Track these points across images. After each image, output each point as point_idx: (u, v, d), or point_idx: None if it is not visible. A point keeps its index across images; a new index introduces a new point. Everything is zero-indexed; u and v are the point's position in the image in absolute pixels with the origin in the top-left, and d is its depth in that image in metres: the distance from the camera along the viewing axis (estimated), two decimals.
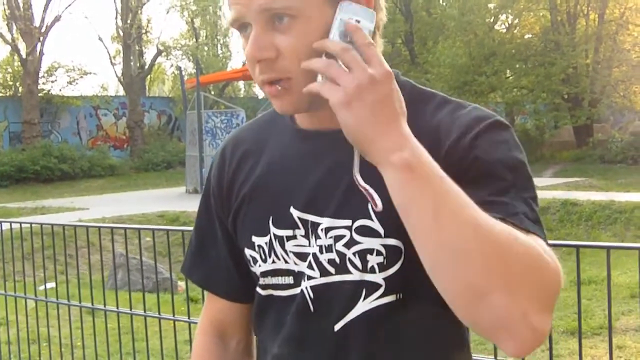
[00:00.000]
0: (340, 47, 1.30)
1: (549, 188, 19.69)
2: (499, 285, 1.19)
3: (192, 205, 17.29)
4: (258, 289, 1.62)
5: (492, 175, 1.35)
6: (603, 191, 19.32)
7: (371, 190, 1.34)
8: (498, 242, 1.20)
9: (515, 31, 35.02)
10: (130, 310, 5.54)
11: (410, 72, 36.15)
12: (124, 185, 28.64)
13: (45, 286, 7.70)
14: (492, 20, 34.79)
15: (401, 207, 1.25)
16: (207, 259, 1.76)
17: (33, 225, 8.13)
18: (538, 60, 32.29)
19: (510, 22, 36.02)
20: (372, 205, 1.35)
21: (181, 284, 10.44)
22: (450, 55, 32.36)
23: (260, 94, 46.44)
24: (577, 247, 3.59)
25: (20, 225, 6.66)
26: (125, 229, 6.30)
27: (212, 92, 36.77)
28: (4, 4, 33.93)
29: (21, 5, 33.10)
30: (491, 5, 34.83)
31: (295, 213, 1.51)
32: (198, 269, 1.79)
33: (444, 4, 39.64)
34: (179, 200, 20.54)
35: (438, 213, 1.21)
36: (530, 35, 34.71)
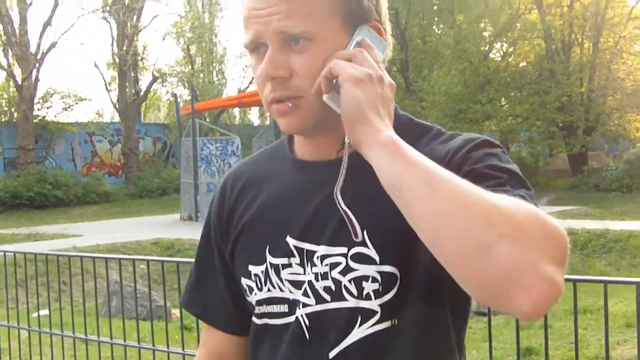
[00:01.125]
0: (356, 50, 1.42)
1: None
2: (503, 235, 1.17)
3: (186, 232, 17.29)
4: (254, 318, 1.62)
5: (487, 176, 1.36)
6: (598, 219, 19.33)
7: (350, 215, 1.39)
8: (495, 197, 1.22)
9: (510, 59, 35.15)
10: (124, 341, 5.49)
11: (405, 100, 36.25)
12: (119, 212, 28.57)
13: (38, 314, 7.66)
14: (487, 48, 34.93)
15: (392, 183, 1.27)
16: (206, 291, 1.77)
17: (30, 252, 8.09)
18: (533, 89, 32.40)
19: (505, 50, 36.17)
20: (352, 232, 1.40)
21: (175, 312, 10.39)
22: (445, 83, 32.46)
23: (255, 121, 46.61)
24: (575, 281, 3.59)
25: (15, 254, 6.64)
26: (119, 259, 6.29)
27: (208, 119, 36.85)
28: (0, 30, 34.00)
29: (17, 31, 33.15)
30: (486, 34, 35.02)
31: (291, 242, 1.53)
32: (196, 300, 1.80)
33: (439, 32, 39.79)
34: (173, 228, 20.51)
35: (430, 179, 1.24)
36: (525, 64, 34.86)
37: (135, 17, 38.68)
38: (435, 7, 36.70)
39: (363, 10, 1.49)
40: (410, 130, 1.50)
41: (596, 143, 33.53)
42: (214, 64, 45.81)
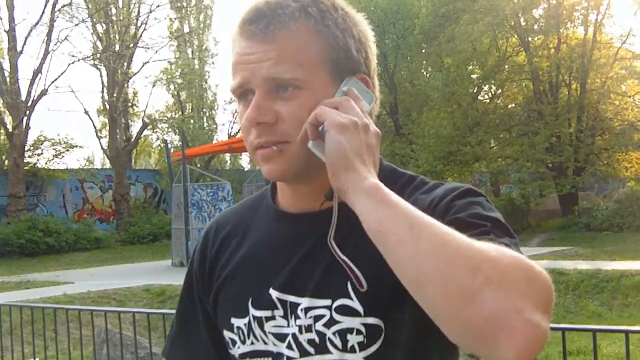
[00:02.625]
0: (343, 98, 1.43)
1: (535, 257, 19.64)
2: (488, 281, 1.16)
3: (177, 278, 17.18)
4: None
5: (471, 224, 1.35)
6: (589, 260, 19.31)
7: (351, 264, 1.38)
8: (479, 244, 1.21)
9: (499, 101, 35.35)
10: None
11: (395, 143, 36.39)
12: (110, 258, 28.46)
13: None
14: (475, 90, 35.10)
15: (376, 228, 1.27)
16: (188, 343, 1.75)
17: (16, 304, 8.07)
18: (522, 130, 32.56)
19: (493, 92, 36.36)
20: (354, 282, 1.39)
21: None
22: (435, 125, 32.58)
23: (246, 165, 46.63)
24: (564, 330, 3.61)
25: (0, 306, 6.64)
26: (105, 311, 6.32)
27: (198, 165, 36.86)
28: None
29: (8, 79, 33.24)
30: (474, 76, 35.20)
31: (274, 294, 1.53)
32: (178, 352, 1.78)
33: (428, 75, 40.02)
34: (164, 274, 20.41)
35: (415, 225, 1.23)
36: (513, 105, 35.05)
37: (125, 64, 38.80)
38: (423, 51, 36.90)
39: (352, 62, 1.51)
40: (394, 180, 1.51)
41: (586, 183, 33.61)
42: (204, 110, 45.92)
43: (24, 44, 34.11)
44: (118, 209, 36.45)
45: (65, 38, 36.21)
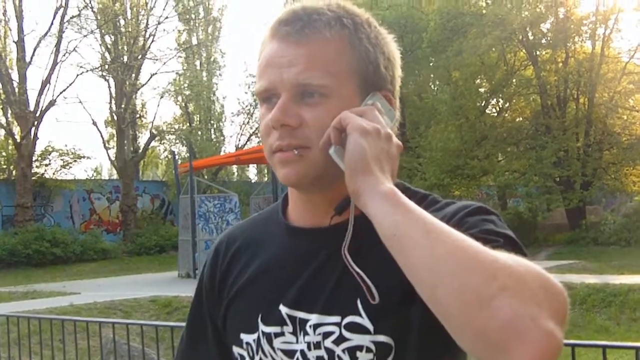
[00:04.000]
0: (368, 107, 1.45)
1: None
2: (504, 287, 1.15)
3: (184, 290, 17.20)
4: None
5: (483, 240, 1.30)
6: (597, 274, 19.25)
7: (364, 276, 1.37)
8: (496, 253, 1.21)
9: (506, 115, 35.35)
10: None
11: (402, 157, 36.12)
12: (117, 269, 28.49)
13: None
14: (482, 104, 35.11)
15: (392, 232, 1.26)
16: (196, 356, 1.75)
17: (23, 315, 8.06)
18: (529, 144, 32.53)
19: (501, 106, 36.38)
20: (367, 293, 1.37)
21: None
22: (442, 139, 32.54)
23: (253, 177, 46.67)
24: (573, 346, 3.59)
25: (7, 317, 6.66)
26: (113, 323, 6.34)
27: (206, 177, 36.90)
28: None
29: (16, 90, 33.36)
30: (482, 90, 35.21)
31: (283, 310, 1.51)
32: None
33: (435, 88, 40.03)
34: (171, 285, 20.41)
35: (431, 229, 1.23)
36: (521, 119, 35.04)
37: (133, 75, 38.90)
38: (431, 64, 36.89)
39: (379, 78, 1.51)
40: (407, 197, 1.45)
41: (594, 197, 33.56)
42: (212, 122, 46.01)
43: (33, 54, 34.30)
44: (125, 220, 36.47)
45: (74, 49, 36.20)
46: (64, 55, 34.56)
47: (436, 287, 1.20)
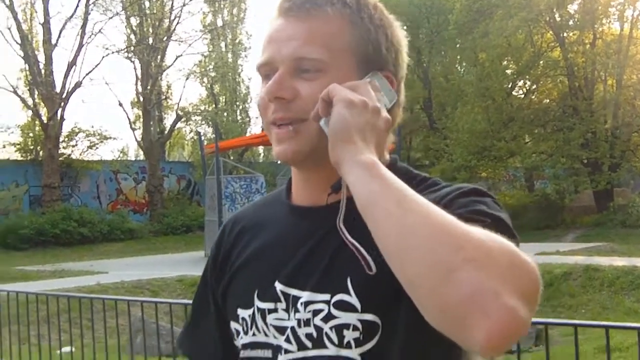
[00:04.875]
0: (361, 82, 1.45)
1: (570, 253, 19.58)
2: (469, 260, 1.14)
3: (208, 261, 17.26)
4: None
5: (469, 220, 1.28)
6: (625, 256, 19.16)
7: (359, 247, 1.35)
8: (466, 226, 1.20)
9: (533, 97, 35.15)
10: None
11: (429, 138, 36.32)
12: (143, 249, 28.68)
13: (60, 351, 7.68)
14: (509, 85, 34.93)
15: (366, 202, 1.27)
16: (198, 332, 1.78)
17: (52, 294, 8.14)
18: (557, 126, 32.35)
19: (528, 87, 36.16)
20: (364, 264, 1.36)
21: None
22: (469, 120, 32.44)
23: None
24: (607, 327, 3.63)
25: (37, 295, 6.71)
26: (141, 302, 6.40)
27: (232, 157, 36.97)
28: (26, 70, 34.39)
29: (43, 71, 33.53)
30: (509, 71, 35.02)
31: (278, 287, 1.52)
32: (189, 341, 1.81)
33: (462, 70, 39.86)
34: (198, 265, 20.39)
35: (404, 200, 1.24)
36: (548, 101, 34.81)
37: (159, 57, 39.00)
38: (457, 46, 36.73)
39: (380, 58, 1.52)
40: (407, 181, 1.42)
41: (622, 179, 33.34)
42: (238, 103, 45.98)
43: (59, 36, 34.47)
44: (152, 200, 36.67)
45: (100, 31, 36.52)
46: (90, 37, 34.72)
47: (402, 256, 1.20)
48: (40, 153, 34.38)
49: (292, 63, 1.46)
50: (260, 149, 45.55)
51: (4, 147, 35.58)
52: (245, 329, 1.58)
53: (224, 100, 45.42)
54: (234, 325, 1.62)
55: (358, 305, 1.41)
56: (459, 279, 1.13)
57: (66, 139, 35.14)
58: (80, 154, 35.71)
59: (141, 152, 41.26)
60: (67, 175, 34.53)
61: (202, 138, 28.72)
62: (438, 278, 1.15)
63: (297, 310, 1.48)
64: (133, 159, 47.49)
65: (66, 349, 8.13)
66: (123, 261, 23.77)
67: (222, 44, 45.97)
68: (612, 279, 15.93)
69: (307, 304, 1.47)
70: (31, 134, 36.25)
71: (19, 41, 33.47)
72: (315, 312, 1.46)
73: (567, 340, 10.23)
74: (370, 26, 1.51)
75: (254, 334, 1.56)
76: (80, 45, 33.99)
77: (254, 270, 1.60)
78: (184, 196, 38.77)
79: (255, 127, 45.66)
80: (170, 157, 48.43)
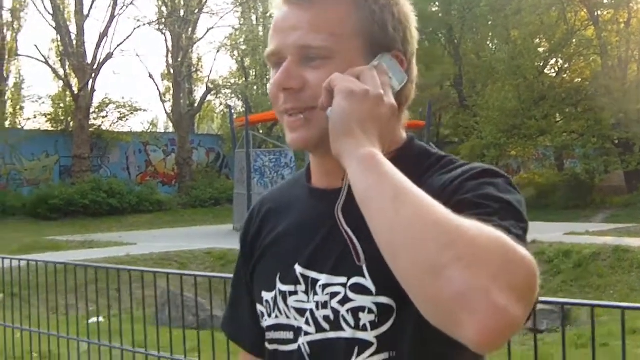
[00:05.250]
0: (365, 67, 1.44)
1: (599, 234, 19.44)
2: (458, 257, 1.13)
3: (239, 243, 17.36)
4: (266, 344, 1.64)
5: (477, 205, 1.31)
6: None
7: (352, 236, 1.39)
8: (461, 221, 1.18)
9: (565, 76, 34.84)
10: (171, 354, 5.67)
11: (459, 115, 36.12)
12: (172, 221, 28.82)
13: (87, 322, 7.75)
14: (541, 64, 34.65)
15: (363, 196, 1.27)
16: (237, 314, 1.82)
17: (80, 264, 8.23)
18: (588, 105, 32.08)
19: (560, 66, 35.86)
20: (353, 254, 1.39)
21: None
22: (500, 98, 32.27)
23: None
24: (624, 308, 3.62)
25: (65, 265, 6.78)
26: (167, 274, 6.46)
27: (261, 131, 37.00)
28: (57, 41, 34.53)
29: (74, 42, 33.66)
30: (541, 49, 34.73)
31: (298, 269, 1.54)
32: (230, 323, 1.86)
33: (494, 47, 39.54)
34: (226, 238, 20.54)
35: (399, 196, 1.22)
36: (580, 80, 34.51)
37: (190, 29, 39.05)
38: (489, 23, 36.44)
39: (387, 38, 1.50)
40: (420, 162, 1.52)
41: None
42: (268, 77, 45.90)
43: (91, 7, 34.68)
44: (180, 173, 36.81)
45: (131, 2, 36.44)
46: (122, 8, 34.90)
47: (394, 252, 1.21)
48: (71, 124, 34.59)
49: (298, 52, 1.46)
50: None
51: (35, 117, 35.96)
52: (268, 311, 1.61)
53: (254, 73, 45.36)
54: (259, 307, 1.65)
55: (373, 289, 1.43)
56: (448, 277, 1.13)
57: (97, 110, 35.33)
58: (111, 126, 35.98)
59: (170, 125, 41.47)
60: (97, 147, 34.73)
61: (232, 111, 28.71)
62: (427, 275, 1.15)
63: (315, 293, 1.50)
64: (162, 131, 47.63)
65: (94, 319, 8.21)
66: (151, 233, 23.89)
67: (254, 17, 45.84)
68: None
69: (325, 286, 1.49)
70: (62, 105, 36.47)
71: (51, 11, 33.66)
72: (333, 295, 1.47)
73: (596, 321, 10.19)
74: (375, 7, 1.50)
75: (276, 316, 1.59)
76: (112, 17, 34.12)
77: (277, 253, 1.63)
78: (213, 169, 38.88)
79: None
80: (200, 130, 48.58)
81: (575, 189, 30.73)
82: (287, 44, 1.47)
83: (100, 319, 8.17)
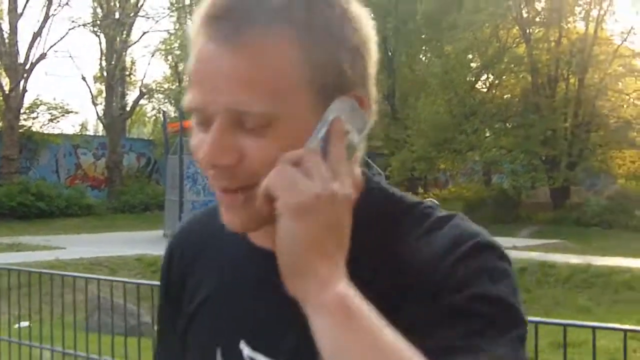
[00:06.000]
0: (308, 152, 1.11)
1: (525, 249, 19.80)
2: None
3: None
4: None
5: (465, 312, 1.10)
6: (579, 254, 19.44)
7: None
8: None
9: (496, 91, 35.36)
10: (99, 356, 5.69)
11: (390, 127, 36.37)
12: (101, 225, 28.51)
13: (19, 325, 7.68)
14: (473, 79, 35.16)
15: (331, 353, 1.04)
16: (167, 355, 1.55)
17: (13, 268, 8.15)
18: (518, 121, 32.65)
19: (491, 82, 36.38)
20: None
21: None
22: (431, 112, 32.62)
23: None
24: (565, 325, 3.74)
25: None
26: (98, 279, 6.48)
27: None
28: None
29: (7, 41, 33.18)
30: (473, 65, 35.25)
31: (245, 350, 1.28)
32: None
33: (427, 61, 39.98)
34: (157, 244, 20.33)
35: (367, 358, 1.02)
36: (510, 96, 35.08)
37: (124, 32, 38.79)
38: (423, 36, 36.87)
39: (344, 81, 1.17)
40: (385, 212, 1.25)
41: (578, 178, 33.75)
42: None
43: (25, 6, 34.08)
44: (110, 177, 36.50)
45: (66, 3, 36.21)
46: (56, 8, 34.46)
47: None
48: (0, 124, 34.05)
49: (231, 115, 1.11)
50: None
51: None
52: None
53: (187, 79, 45.19)
54: None
55: None
56: None
57: (27, 111, 34.84)
58: (41, 127, 35.50)
59: (100, 128, 41.12)
60: (27, 148, 34.22)
61: (166, 117, 28.58)
62: None
63: None
64: (93, 134, 47.17)
65: (23, 323, 8.14)
66: (80, 237, 23.65)
67: (189, 22, 45.68)
68: (567, 276, 16.21)
69: None
70: None
71: None
72: None
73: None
74: (327, 44, 1.15)
75: None
76: (47, 17, 33.69)
77: (214, 315, 1.36)
78: (143, 174, 38.64)
79: None
80: (131, 134, 48.21)
81: (502, 204, 31.19)
82: (215, 101, 1.12)
83: (29, 323, 8.10)
